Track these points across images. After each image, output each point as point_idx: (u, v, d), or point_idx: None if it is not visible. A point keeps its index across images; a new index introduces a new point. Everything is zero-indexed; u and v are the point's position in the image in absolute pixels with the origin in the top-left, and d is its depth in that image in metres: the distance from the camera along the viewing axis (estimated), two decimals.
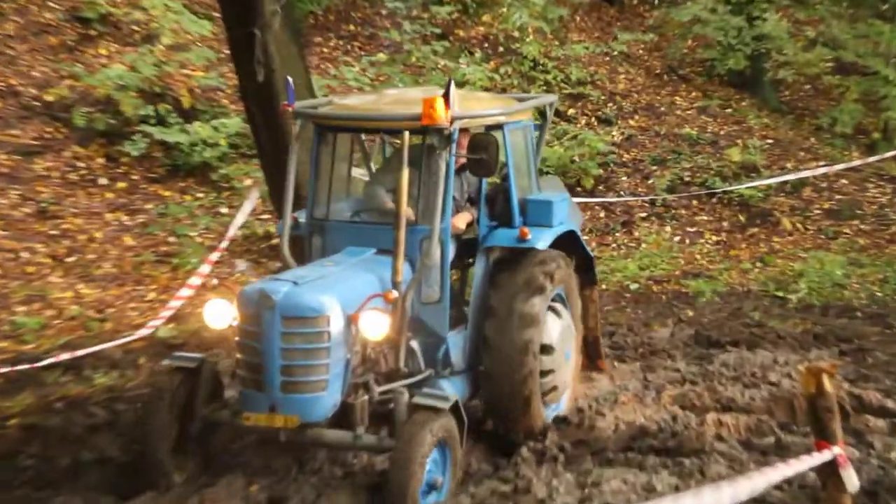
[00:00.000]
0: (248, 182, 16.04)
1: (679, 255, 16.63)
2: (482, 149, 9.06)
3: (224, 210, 15.87)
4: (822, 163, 19.12)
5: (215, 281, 14.48)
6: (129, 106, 16.24)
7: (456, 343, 9.41)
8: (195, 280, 13.33)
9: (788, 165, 19.05)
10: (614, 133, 19.66)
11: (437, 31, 18.55)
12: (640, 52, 23.15)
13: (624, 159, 19.09)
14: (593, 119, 20.40)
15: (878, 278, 15.33)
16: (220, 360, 8.87)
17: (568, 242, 10.20)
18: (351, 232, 9.42)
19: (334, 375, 8.39)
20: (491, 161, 9.06)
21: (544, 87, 20.46)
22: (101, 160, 16.08)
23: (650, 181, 18.55)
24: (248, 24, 12.87)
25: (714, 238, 17.27)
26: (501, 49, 21.26)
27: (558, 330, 9.79)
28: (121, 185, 15.84)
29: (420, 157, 9.30)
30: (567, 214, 10.23)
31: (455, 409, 8.38)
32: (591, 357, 11.11)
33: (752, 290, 15.09)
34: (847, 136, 20.50)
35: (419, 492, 7.95)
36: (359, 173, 10.30)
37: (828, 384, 6.58)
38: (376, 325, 8.42)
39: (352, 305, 8.49)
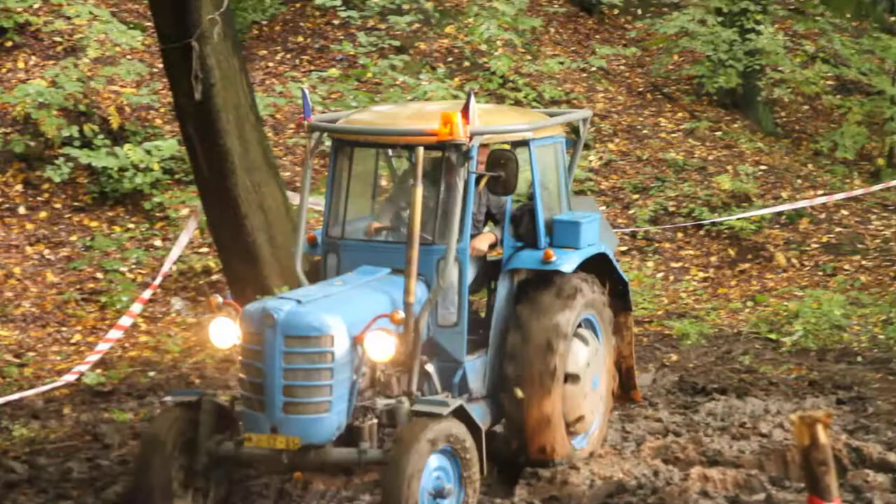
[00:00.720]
0: (184, 211, 16.16)
1: (662, 292, 16.84)
2: (500, 166, 9.55)
3: (158, 242, 16.01)
4: (820, 191, 19.37)
5: (147, 321, 14.59)
6: (51, 126, 16.35)
7: (474, 368, 10.02)
8: (125, 320, 13.47)
9: (784, 195, 19.28)
10: (591, 158, 19.89)
11: (396, 43, 18.75)
12: (621, 67, 23.40)
13: (602, 187, 19.32)
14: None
15: (881, 319, 15.54)
16: (219, 395, 9.58)
17: (600, 266, 10.67)
18: (366, 251, 10.02)
19: (338, 397, 8.99)
20: (510, 178, 9.56)
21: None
22: (19, 187, 16.19)
23: (631, 211, 18.77)
24: (184, 35, 13.04)
25: (701, 274, 17.49)
26: (467, 64, 21.46)
27: (585, 357, 10.27)
28: (42, 214, 15.95)
29: (439, 173, 9.86)
30: (597, 236, 10.69)
31: (461, 415, 8.96)
32: (623, 387, 11.42)
33: (742, 331, 15.29)
34: (848, 163, 20.76)
35: (419, 498, 8.56)
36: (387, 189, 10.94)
37: (823, 435, 6.69)
38: (382, 347, 9.03)
39: (358, 326, 9.08)
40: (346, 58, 20.61)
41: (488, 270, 10.40)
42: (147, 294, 13.87)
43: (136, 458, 9.68)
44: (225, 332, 9.37)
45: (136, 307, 13.79)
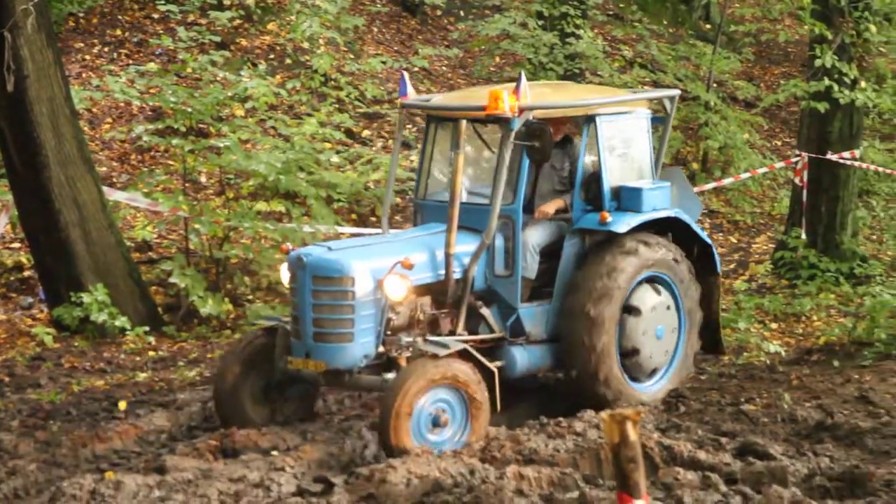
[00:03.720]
0: None
1: None
2: (536, 137, 11.00)
3: None
4: None
5: None
6: None
7: (531, 314, 11.55)
8: None
9: None
10: (413, 158, 19.96)
11: (217, 39, 18.55)
12: (444, 68, 23.54)
13: None
14: (390, 141, 20.66)
15: None
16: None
17: (682, 232, 12.14)
18: (441, 211, 11.41)
19: (361, 330, 10.70)
20: (545, 148, 11.02)
21: (336, 105, 20.65)
22: None
23: None
24: None
25: None
26: (289, 61, 21.38)
27: (651, 302, 11.77)
28: None
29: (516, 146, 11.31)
30: (667, 202, 12.05)
31: (467, 357, 10.49)
32: (710, 343, 12.68)
33: None
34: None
35: (410, 421, 10.15)
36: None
37: (632, 433, 6.76)
38: (395, 288, 10.70)
39: (382, 271, 10.72)
40: (166, 52, 20.36)
41: (564, 232, 11.78)
42: None
43: (217, 368, 11.61)
44: (284, 274, 11.10)
45: None
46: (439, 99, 12.60)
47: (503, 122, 11.16)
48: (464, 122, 11.22)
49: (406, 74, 12.17)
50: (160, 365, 14.24)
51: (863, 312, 15.89)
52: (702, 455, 10.20)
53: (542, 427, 10.87)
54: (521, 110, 11.10)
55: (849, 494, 9.55)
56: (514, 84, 11.25)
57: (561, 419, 11.00)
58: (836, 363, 14.25)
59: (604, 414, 6.52)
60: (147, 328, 14.99)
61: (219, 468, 9.90)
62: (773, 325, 16.48)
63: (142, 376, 13.72)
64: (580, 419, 10.97)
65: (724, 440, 10.66)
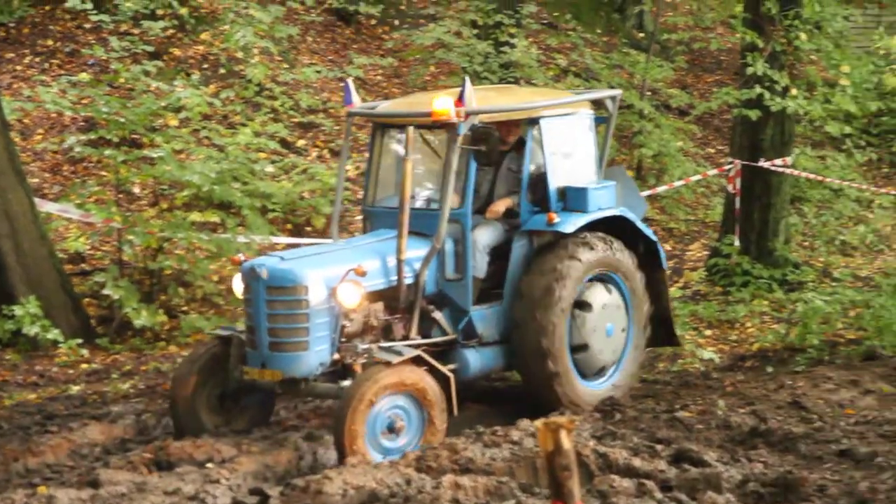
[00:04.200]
0: None
1: None
2: (482, 140, 11.32)
3: None
4: None
5: None
6: None
7: (483, 317, 11.78)
8: None
9: None
10: (349, 167, 19.95)
11: (150, 49, 18.46)
12: (379, 77, 23.54)
13: (359, 196, 19.36)
14: (325, 151, 20.65)
15: None
16: None
17: (630, 231, 12.36)
18: (390, 217, 11.62)
19: (316, 338, 10.87)
20: (491, 151, 11.38)
21: (271, 115, 20.60)
22: None
23: None
24: None
25: None
26: (223, 71, 21.31)
27: (601, 300, 12.04)
28: None
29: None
30: (613, 201, 12.30)
31: (421, 363, 10.71)
32: (664, 337, 13.09)
33: None
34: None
35: (365, 427, 10.33)
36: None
37: (566, 441, 6.79)
38: (349, 296, 10.89)
39: (335, 279, 10.89)
40: (98, 62, 20.23)
41: (512, 233, 11.99)
42: None
43: (174, 377, 11.55)
44: (237, 285, 11.28)
45: None
46: (386, 106, 12.75)
47: (450, 127, 11.37)
48: (411, 129, 11.42)
49: (351, 83, 12.30)
50: (93, 377, 14.14)
51: (795, 318, 16.03)
52: (637, 462, 10.25)
53: (479, 436, 10.89)
54: (467, 115, 11.32)
55: (782, 500, 9.63)
56: (459, 89, 11.43)
57: (497, 428, 11.02)
58: (769, 369, 14.37)
59: (538, 422, 6.54)
60: (80, 340, 14.87)
61: (153, 481, 9.84)
62: (708, 332, 16.58)
63: (75, 389, 13.63)
64: (516, 428, 11.00)
65: (659, 447, 10.71)
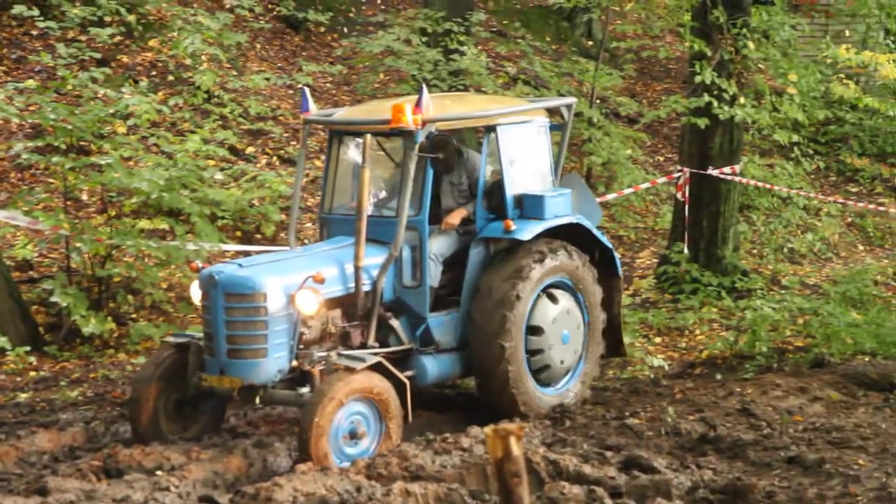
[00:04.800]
0: None
1: None
2: (440, 148, 11.65)
3: None
4: None
5: None
6: None
7: (440, 324, 11.89)
8: None
9: None
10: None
11: (97, 56, 18.36)
12: (328, 85, 23.53)
13: (309, 203, 19.37)
14: (275, 158, 20.62)
15: None
16: None
17: (584, 236, 12.50)
18: (348, 224, 11.66)
19: (275, 345, 10.89)
20: (448, 158, 11.83)
21: (220, 122, 20.54)
22: None
23: None
24: None
25: None
26: (171, 78, 21.25)
27: (552, 314, 12.12)
28: None
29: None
30: (569, 208, 12.41)
31: (380, 370, 10.74)
32: (611, 344, 13.15)
33: None
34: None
35: (329, 434, 10.36)
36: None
37: (516, 447, 6.82)
38: (308, 303, 10.92)
39: (293, 286, 10.93)
40: (45, 69, 20.12)
41: (468, 241, 12.08)
42: None
43: (133, 382, 11.61)
44: (195, 292, 11.28)
45: None
46: (342, 113, 12.84)
47: (407, 135, 11.48)
48: (368, 136, 11.44)
49: (307, 90, 12.40)
50: (42, 385, 14.06)
51: (744, 326, 16.16)
52: (587, 469, 10.30)
53: (429, 443, 10.92)
54: (424, 123, 11.43)
55: None
56: (416, 97, 11.51)
57: (447, 435, 11.06)
58: (718, 376, 14.48)
59: (487, 429, 6.57)
60: (28, 348, 14.79)
61: (102, 489, 9.81)
62: (657, 340, 16.69)
63: (23, 397, 13.55)
64: (466, 435, 11.04)
65: (609, 454, 10.77)
